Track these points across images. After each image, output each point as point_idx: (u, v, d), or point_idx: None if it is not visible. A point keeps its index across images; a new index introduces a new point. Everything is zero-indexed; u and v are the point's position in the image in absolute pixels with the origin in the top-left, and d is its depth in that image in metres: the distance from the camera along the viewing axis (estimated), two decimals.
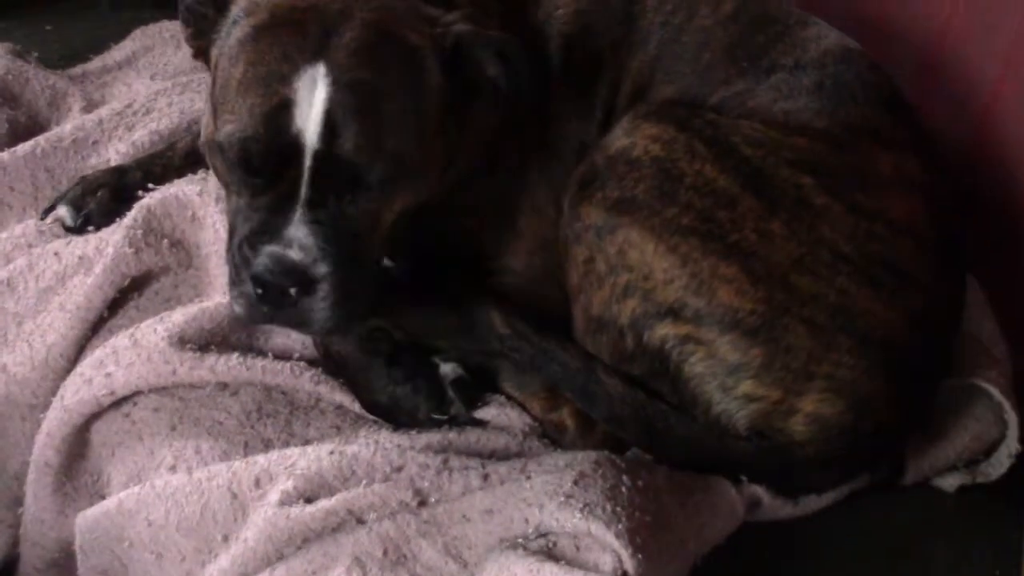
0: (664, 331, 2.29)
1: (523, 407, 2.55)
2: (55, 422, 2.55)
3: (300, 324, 2.31)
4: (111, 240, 2.72)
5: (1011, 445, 2.53)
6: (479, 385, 2.57)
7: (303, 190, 2.21)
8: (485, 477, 2.28)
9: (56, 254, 2.80)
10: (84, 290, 2.68)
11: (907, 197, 2.38)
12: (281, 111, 2.18)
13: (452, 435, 2.46)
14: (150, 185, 2.84)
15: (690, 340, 2.28)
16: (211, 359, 2.52)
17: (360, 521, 2.21)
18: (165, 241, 2.74)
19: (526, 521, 2.16)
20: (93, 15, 4.31)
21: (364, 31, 2.23)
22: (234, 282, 2.29)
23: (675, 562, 2.22)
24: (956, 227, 2.45)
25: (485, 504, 2.20)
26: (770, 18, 2.67)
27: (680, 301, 2.27)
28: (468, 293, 2.49)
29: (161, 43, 3.77)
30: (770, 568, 2.36)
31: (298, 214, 2.22)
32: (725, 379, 2.27)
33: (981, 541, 2.49)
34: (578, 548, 2.15)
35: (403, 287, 2.64)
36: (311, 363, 2.58)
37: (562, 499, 2.16)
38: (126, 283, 2.69)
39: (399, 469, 2.31)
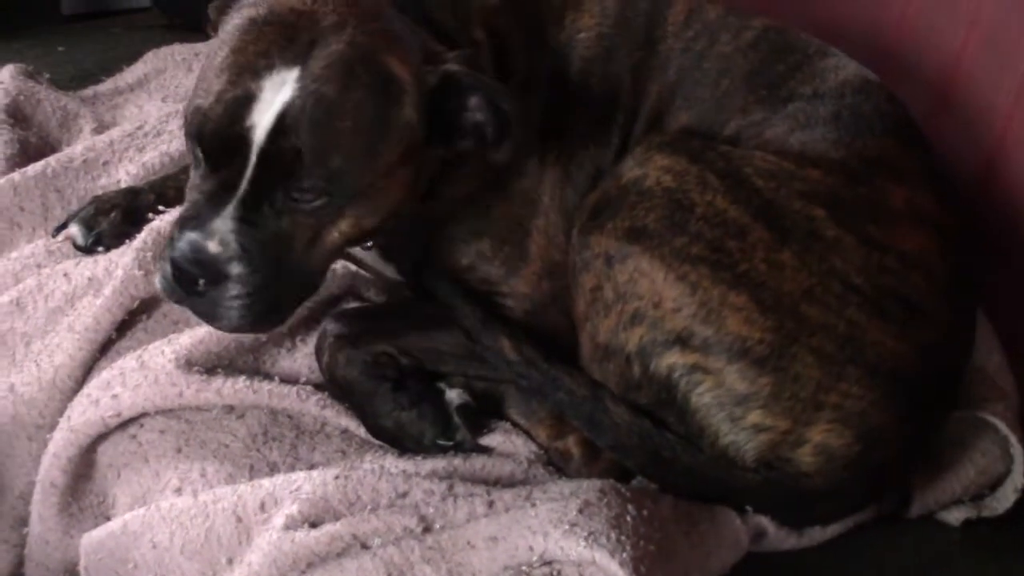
0: (672, 359, 2.29)
1: (528, 434, 2.55)
2: (61, 443, 2.55)
3: (206, 315, 2.32)
4: (121, 262, 2.72)
5: (1017, 479, 2.52)
6: (485, 411, 2.57)
7: (243, 186, 2.22)
8: (490, 504, 2.27)
9: (66, 275, 2.80)
10: (93, 311, 2.68)
11: (919, 230, 2.38)
12: (242, 102, 2.19)
13: (457, 461, 2.45)
14: (161, 208, 2.84)
15: (698, 369, 2.27)
16: (218, 382, 2.52)
17: (364, 546, 2.20)
18: None
19: (530, 549, 2.15)
20: (105, 37, 4.34)
21: (348, 49, 2.23)
22: (161, 256, 2.31)
23: None
24: (967, 261, 2.45)
25: (490, 531, 2.19)
26: (790, 47, 2.67)
27: (688, 329, 2.27)
28: (477, 318, 2.49)
29: (173, 65, 3.78)
30: None
31: (229, 208, 2.23)
32: (733, 409, 2.26)
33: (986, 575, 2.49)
34: None
35: (409, 311, 2.66)
36: (317, 387, 2.58)
37: (567, 527, 2.15)
38: (135, 305, 2.69)
39: (404, 495, 2.30)
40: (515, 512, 2.23)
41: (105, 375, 2.58)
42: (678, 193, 2.33)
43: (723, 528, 2.31)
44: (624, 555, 2.10)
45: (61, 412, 2.61)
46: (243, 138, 2.19)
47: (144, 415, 2.54)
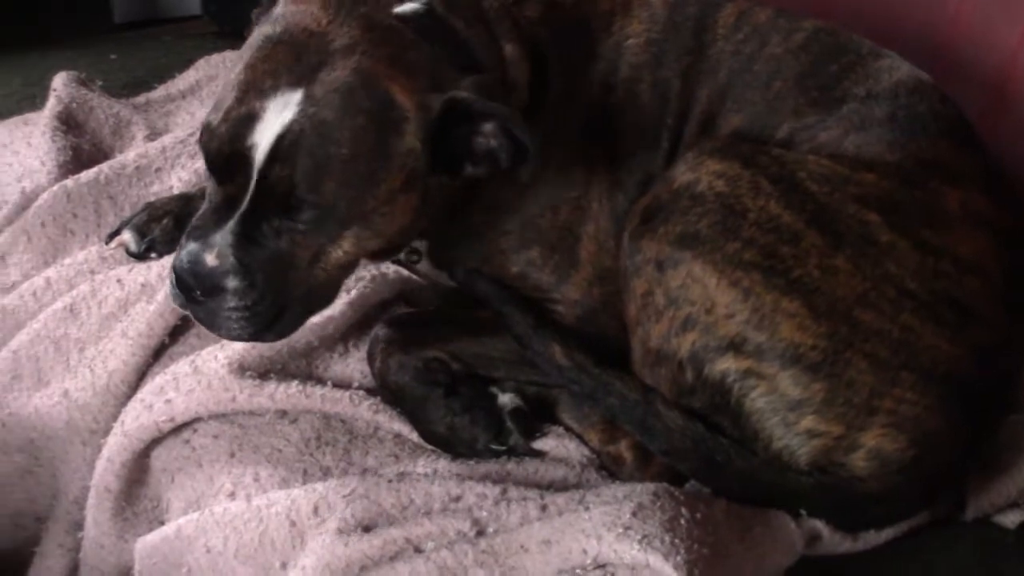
0: (725, 365, 2.28)
1: (581, 439, 2.55)
2: (115, 448, 2.57)
3: (206, 324, 2.33)
4: None
5: None
6: (537, 416, 2.57)
7: (245, 202, 2.23)
8: (543, 508, 2.27)
9: (119, 281, 2.82)
10: (146, 317, 2.70)
11: (974, 233, 2.37)
12: (245, 121, 2.20)
13: (511, 465, 2.46)
14: None
15: (751, 374, 2.26)
16: (271, 386, 2.53)
17: (418, 550, 2.21)
18: None
19: (584, 552, 2.15)
20: (157, 45, 4.36)
21: (352, 75, 2.22)
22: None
23: None
24: (1021, 264, 2.44)
25: (543, 535, 2.19)
26: (842, 48, 2.65)
27: (741, 335, 2.26)
28: (528, 324, 2.49)
29: (224, 72, 3.79)
30: None
31: (231, 223, 2.24)
32: (787, 414, 2.26)
33: None
34: None
35: (460, 317, 2.66)
36: (370, 392, 2.59)
37: (620, 530, 2.14)
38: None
39: (457, 499, 2.31)
40: (568, 516, 2.23)
41: (159, 380, 2.59)
42: (730, 198, 2.32)
43: (777, 532, 2.30)
44: (678, 558, 2.10)
45: (115, 417, 2.63)
46: (245, 157, 2.20)
47: (197, 420, 2.55)
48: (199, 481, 2.50)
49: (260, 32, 2.31)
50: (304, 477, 2.43)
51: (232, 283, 2.24)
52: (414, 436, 2.53)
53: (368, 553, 2.20)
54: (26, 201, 3.12)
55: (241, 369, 2.55)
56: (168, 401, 2.54)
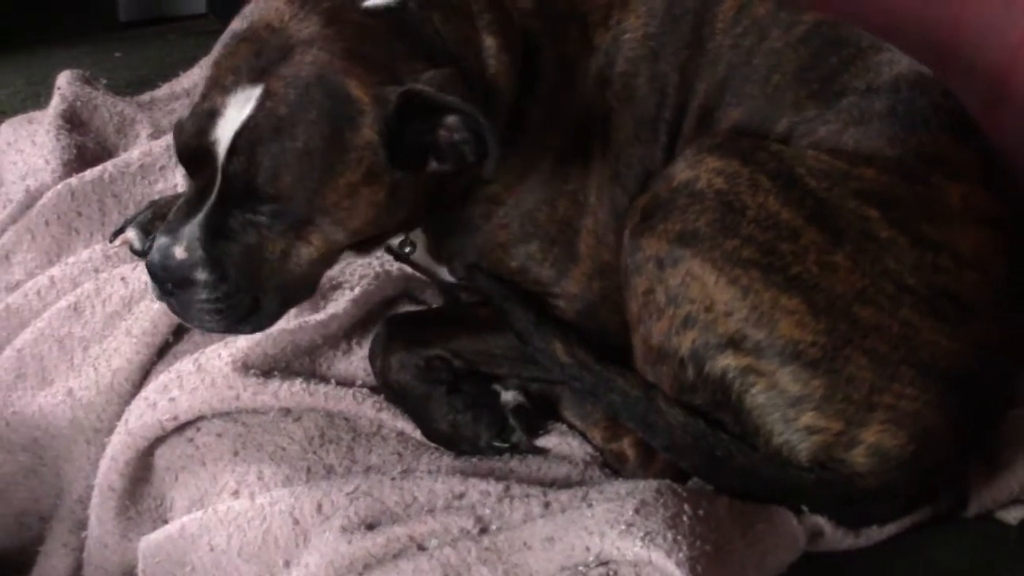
0: (725, 362, 2.28)
1: (584, 436, 2.55)
2: (119, 446, 2.57)
3: (182, 316, 2.36)
4: None
5: None
6: (540, 413, 2.58)
7: (213, 195, 2.24)
8: (546, 505, 2.28)
9: (123, 279, 2.83)
10: (150, 315, 2.71)
11: (975, 228, 2.36)
12: (209, 117, 2.23)
13: (513, 463, 2.47)
14: None
15: (751, 371, 2.27)
16: (274, 385, 2.53)
17: (421, 548, 2.21)
18: None
19: (587, 549, 2.15)
20: (161, 43, 4.37)
21: (308, 68, 2.23)
22: None
23: None
24: (1022, 259, 2.43)
25: (546, 532, 2.19)
26: (842, 41, 2.64)
27: (741, 332, 2.26)
28: (528, 320, 2.50)
29: None
30: None
31: (200, 216, 2.25)
32: (787, 410, 2.26)
33: None
34: None
35: (461, 314, 2.66)
36: (373, 390, 2.60)
37: (623, 527, 2.15)
38: None
39: (460, 496, 2.31)
40: (571, 513, 2.23)
41: (162, 378, 2.60)
42: (730, 195, 2.32)
43: (779, 528, 2.30)
44: (680, 555, 2.10)
45: (119, 416, 2.64)
46: (209, 152, 2.22)
47: (201, 418, 2.56)
48: (203, 479, 2.50)
49: (229, 29, 2.33)
50: (308, 475, 2.43)
51: (201, 275, 2.26)
52: (417, 434, 2.53)
53: (371, 551, 2.20)
54: (30, 200, 3.13)
55: (245, 367, 2.55)
56: (172, 399, 2.54)
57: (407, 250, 2.66)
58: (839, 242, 2.27)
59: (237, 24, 2.32)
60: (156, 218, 2.91)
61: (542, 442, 2.53)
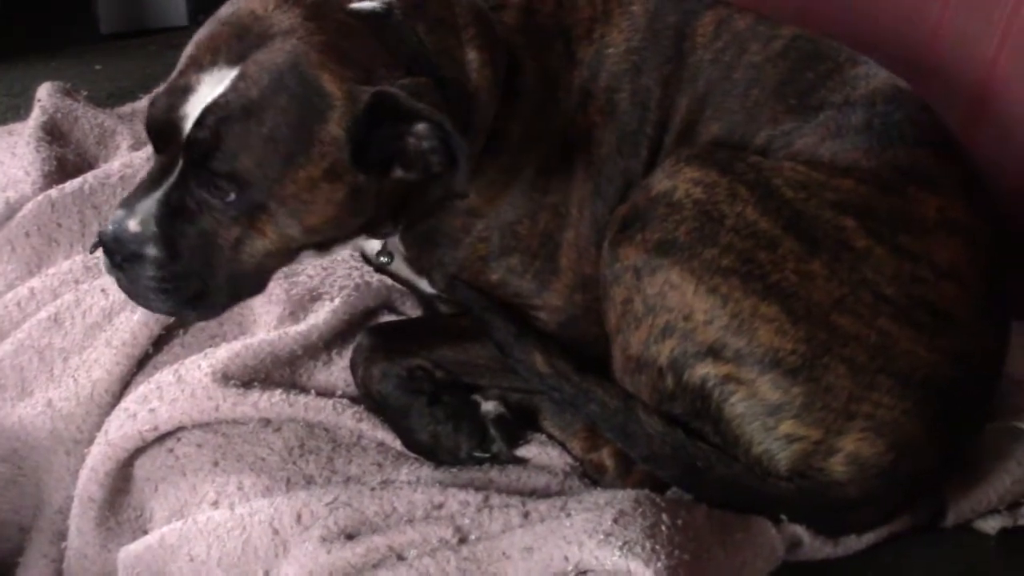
0: (704, 371, 2.29)
1: (564, 446, 2.55)
2: (99, 457, 2.56)
3: (129, 293, 2.36)
4: None
5: None
6: (520, 423, 2.58)
7: (175, 173, 2.26)
8: (525, 515, 2.28)
9: (103, 290, 2.82)
10: (130, 326, 2.70)
11: (952, 240, 2.37)
12: (182, 92, 2.25)
13: (493, 473, 2.47)
14: None
15: (731, 380, 2.27)
16: (254, 395, 2.53)
17: (400, 558, 2.21)
18: None
19: (566, 559, 2.15)
20: (143, 55, 4.37)
21: (285, 56, 2.24)
22: None
23: None
24: (1000, 271, 2.44)
25: (525, 542, 2.20)
26: (820, 55, 2.65)
27: (720, 341, 2.27)
28: (509, 331, 2.50)
29: None
30: None
31: (159, 192, 2.27)
32: (766, 419, 2.27)
33: None
34: None
35: (442, 325, 2.67)
36: (353, 400, 2.59)
37: (601, 537, 2.15)
38: (172, 320, 2.71)
39: (440, 506, 2.32)
40: (550, 523, 2.23)
41: (142, 389, 2.60)
42: (708, 205, 2.33)
43: (758, 537, 2.31)
44: (659, 564, 2.10)
45: (99, 427, 2.63)
46: (176, 127, 2.24)
47: (181, 429, 2.55)
48: (182, 490, 2.50)
49: (216, 14, 2.35)
50: (287, 485, 2.43)
51: (151, 251, 2.27)
52: (397, 444, 2.53)
53: (351, 561, 2.21)
54: (10, 211, 3.12)
55: (224, 378, 2.55)
56: (152, 410, 2.54)
57: (384, 260, 2.66)
58: (816, 251, 2.28)
59: (224, 10, 2.34)
60: None
61: (522, 452, 2.53)
